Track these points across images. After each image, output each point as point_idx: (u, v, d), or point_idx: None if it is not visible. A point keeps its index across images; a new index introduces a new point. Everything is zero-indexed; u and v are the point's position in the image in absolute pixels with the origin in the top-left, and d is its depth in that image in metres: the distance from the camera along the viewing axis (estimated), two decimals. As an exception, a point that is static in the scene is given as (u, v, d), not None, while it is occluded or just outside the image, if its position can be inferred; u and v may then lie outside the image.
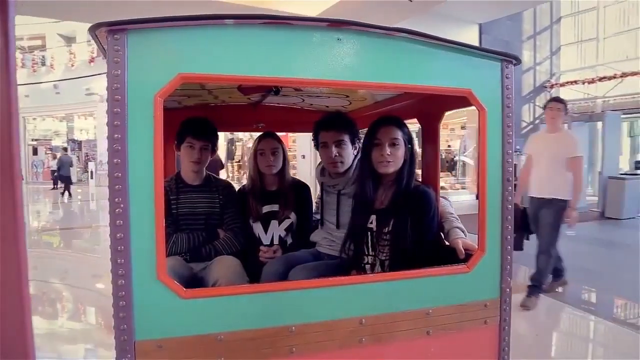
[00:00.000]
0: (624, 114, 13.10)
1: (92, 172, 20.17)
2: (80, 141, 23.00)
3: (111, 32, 1.23)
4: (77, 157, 22.12)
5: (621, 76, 13.41)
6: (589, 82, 14.29)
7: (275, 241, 2.58)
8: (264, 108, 2.75)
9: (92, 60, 20.06)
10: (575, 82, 14.44)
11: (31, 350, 0.68)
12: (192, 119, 2.36)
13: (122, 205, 1.26)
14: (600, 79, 14.07)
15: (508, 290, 1.67)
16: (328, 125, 2.31)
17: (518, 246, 3.68)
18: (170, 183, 2.39)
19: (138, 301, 1.29)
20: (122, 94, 1.24)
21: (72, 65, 20.70)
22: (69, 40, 21.61)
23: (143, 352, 1.30)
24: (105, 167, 19.90)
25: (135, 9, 7.10)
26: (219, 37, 1.32)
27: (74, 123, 23.72)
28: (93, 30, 1.25)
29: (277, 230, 2.60)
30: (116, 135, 1.25)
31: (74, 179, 20.52)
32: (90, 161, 20.84)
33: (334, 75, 1.45)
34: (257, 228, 2.59)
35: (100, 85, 19.48)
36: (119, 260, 1.27)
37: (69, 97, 20.19)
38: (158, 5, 6.46)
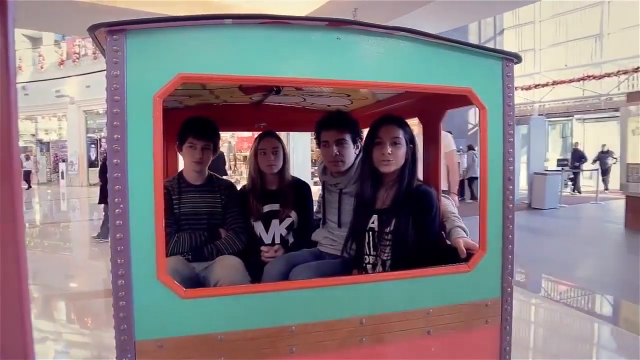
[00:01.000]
0: (549, 117, 15.30)
1: (62, 172, 20.31)
2: (48, 142, 23.03)
3: (110, 33, 1.23)
4: (46, 158, 22.32)
5: (553, 84, 14.97)
6: (526, 89, 15.93)
7: (277, 240, 2.58)
8: (265, 107, 2.75)
9: (62, 62, 20.19)
10: (515, 88, 16.23)
11: (31, 351, 0.68)
12: (194, 118, 2.36)
13: (121, 206, 1.26)
14: (536, 86, 15.77)
15: (509, 289, 1.66)
16: (329, 124, 2.31)
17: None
18: (173, 183, 2.40)
19: (138, 301, 1.29)
20: (122, 94, 1.25)
21: (42, 67, 20.72)
22: (35, 41, 21.70)
23: (143, 351, 1.30)
24: (75, 167, 20.04)
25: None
26: (218, 37, 1.32)
27: (39, 124, 23.72)
28: (92, 30, 1.25)
29: (278, 229, 2.60)
30: (116, 136, 1.25)
31: (43, 179, 21.27)
32: (62, 162, 20.91)
33: (333, 74, 1.45)
34: (258, 227, 2.59)
35: (70, 87, 19.42)
36: (118, 260, 1.27)
37: (38, 98, 20.19)
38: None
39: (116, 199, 1.26)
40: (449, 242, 1.94)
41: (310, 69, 1.42)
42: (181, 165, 2.55)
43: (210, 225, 2.40)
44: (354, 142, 2.34)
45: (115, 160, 1.25)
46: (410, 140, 1.95)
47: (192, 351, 1.34)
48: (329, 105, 2.74)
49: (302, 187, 2.75)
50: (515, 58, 1.63)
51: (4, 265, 0.65)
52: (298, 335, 1.43)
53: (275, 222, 2.60)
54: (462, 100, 1.68)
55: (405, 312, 1.55)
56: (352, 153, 2.34)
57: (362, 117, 2.58)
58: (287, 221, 2.61)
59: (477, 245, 1.70)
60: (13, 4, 0.61)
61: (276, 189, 2.63)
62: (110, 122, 1.25)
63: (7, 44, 0.62)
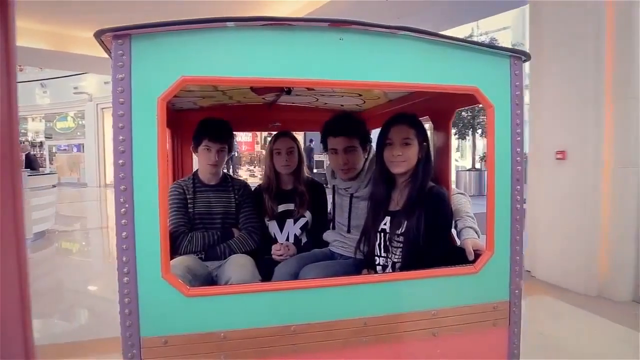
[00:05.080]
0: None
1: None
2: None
3: (115, 37, 1.26)
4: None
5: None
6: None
7: (291, 240, 2.60)
8: (279, 108, 2.77)
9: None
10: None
11: (31, 351, 0.70)
12: (209, 121, 2.39)
13: (127, 205, 1.29)
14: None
15: (517, 292, 1.63)
16: (336, 131, 2.23)
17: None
18: (188, 182, 2.44)
19: (143, 298, 1.32)
20: (126, 97, 1.28)
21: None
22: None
23: (148, 347, 1.33)
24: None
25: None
26: (220, 39, 1.34)
27: None
28: (98, 35, 1.28)
29: (292, 229, 2.62)
30: (121, 137, 1.28)
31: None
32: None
33: (337, 75, 1.44)
34: (273, 227, 2.62)
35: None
36: (124, 259, 1.30)
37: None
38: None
39: (121, 199, 1.29)
40: (458, 243, 1.92)
41: (313, 70, 1.42)
42: (195, 165, 2.60)
43: (224, 225, 2.44)
44: (363, 146, 2.28)
45: (120, 161, 1.28)
46: (424, 139, 1.93)
47: (196, 348, 1.37)
48: (342, 105, 2.73)
49: (317, 187, 2.76)
50: (524, 56, 1.59)
51: (4, 265, 0.67)
52: (301, 335, 1.44)
53: (289, 221, 2.62)
54: (472, 98, 1.66)
55: (409, 313, 1.54)
56: (361, 158, 2.28)
57: (374, 117, 2.58)
58: (302, 221, 2.62)
59: None
60: (14, 4, 0.63)
61: (291, 188, 2.65)
62: (116, 124, 1.28)
63: (8, 44, 0.64)
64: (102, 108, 19.10)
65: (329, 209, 2.76)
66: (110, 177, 18.90)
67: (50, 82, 19.18)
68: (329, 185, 2.58)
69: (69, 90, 19.36)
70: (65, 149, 22.25)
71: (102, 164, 19.27)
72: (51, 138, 22.42)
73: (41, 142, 22.34)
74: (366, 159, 2.32)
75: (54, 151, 22.43)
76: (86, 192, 16.07)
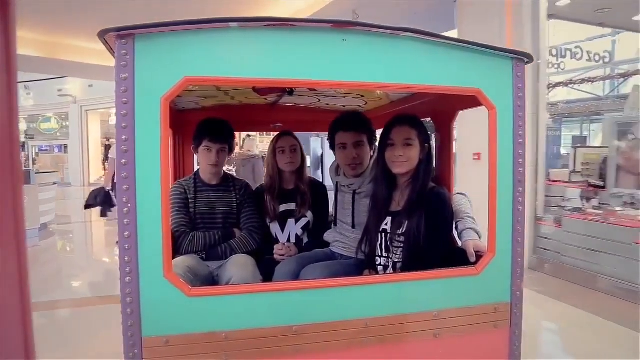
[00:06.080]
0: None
1: None
2: None
3: (119, 37, 1.27)
4: None
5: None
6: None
7: (292, 240, 2.59)
8: (281, 108, 2.77)
9: None
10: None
11: (31, 351, 0.69)
12: (209, 121, 2.39)
13: (129, 205, 1.30)
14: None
15: (519, 293, 1.63)
16: (347, 126, 2.26)
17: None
18: (189, 182, 2.44)
19: (145, 298, 1.32)
20: (130, 97, 1.28)
21: None
22: None
23: (150, 347, 1.34)
24: None
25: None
26: (224, 39, 1.34)
27: None
28: (102, 35, 1.28)
29: (294, 228, 2.61)
30: (124, 137, 1.28)
31: None
32: None
33: (340, 76, 1.44)
34: (274, 227, 2.62)
35: None
36: (126, 258, 1.30)
37: None
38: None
39: (124, 199, 1.29)
40: (460, 245, 1.91)
41: (315, 71, 1.42)
42: (197, 165, 2.60)
43: (226, 225, 2.44)
44: (370, 143, 2.31)
45: (123, 161, 1.29)
46: (426, 140, 1.93)
47: (198, 348, 1.37)
48: (344, 106, 2.74)
49: (318, 187, 2.76)
50: (527, 58, 1.59)
51: (4, 265, 0.67)
52: (302, 335, 1.44)
53: (291, 221, 2.62)
54: (474, 100, 1.66)
55: (411, 314, 1.54)
56: (368, 155, 2.31)
57: (376, 118, 2.57)
58: (303, 221, 2.62)
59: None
60: (15, 4, 0.63)
61: (293, 188, 2.65)
62: (119, 124, 1.28)
63: (9, 43, 0.63)
64: (86, 110, 19.10)
65: (330, 209, 2.76)
66: (93, 177, 18.95)
67: (34, 84, 19.15)
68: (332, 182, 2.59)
69: (54, 93, 19.41)
70: (47, 150, 22.41)
71: (86, 165, 19.40)
72: (33, 138, 22.53)
73: (24, 143, 22.46)
74: (371, 157, 2.33)
75: (35, 151, 22.58)
76: (71, 191, 16.36)
